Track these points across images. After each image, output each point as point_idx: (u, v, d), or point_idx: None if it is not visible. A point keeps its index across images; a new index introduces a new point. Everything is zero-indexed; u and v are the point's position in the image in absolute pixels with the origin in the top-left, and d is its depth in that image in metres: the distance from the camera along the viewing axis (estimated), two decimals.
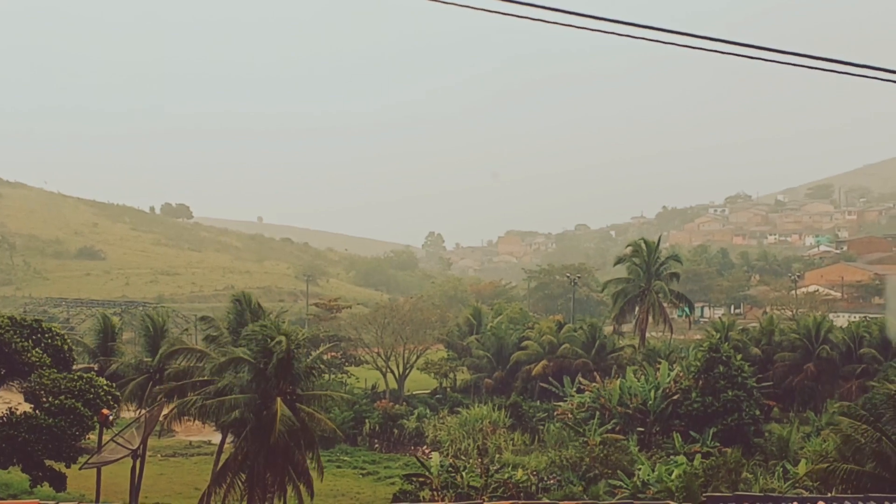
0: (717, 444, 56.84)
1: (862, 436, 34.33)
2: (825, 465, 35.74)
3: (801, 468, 47.33)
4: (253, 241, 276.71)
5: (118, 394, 42.95)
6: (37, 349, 40.43)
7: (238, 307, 50.35)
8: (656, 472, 47.67)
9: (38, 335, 41.89)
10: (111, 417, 38.92)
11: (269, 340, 41.14)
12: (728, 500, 17.50)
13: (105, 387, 39.85)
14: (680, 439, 58.34)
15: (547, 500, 21.56)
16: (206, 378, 45.35)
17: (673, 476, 46.24)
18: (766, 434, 61.77)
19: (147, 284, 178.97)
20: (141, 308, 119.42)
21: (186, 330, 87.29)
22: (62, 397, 38.13)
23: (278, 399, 39.85)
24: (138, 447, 36.30)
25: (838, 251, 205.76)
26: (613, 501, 18.07)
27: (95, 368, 49.80)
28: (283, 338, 41.08)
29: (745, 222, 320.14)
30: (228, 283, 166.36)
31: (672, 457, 53.44)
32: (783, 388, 74.89)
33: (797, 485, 44.76)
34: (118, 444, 34.59)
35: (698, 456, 51.83)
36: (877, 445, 33.51)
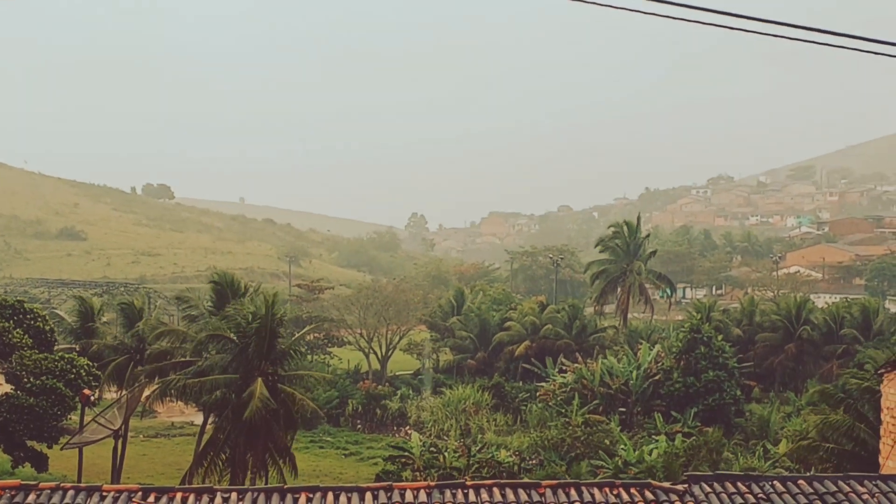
0: (698, 424, 57.14)
1: (839, 417, 34.56)
2: (805, 445, 35.97)
3: (782, 448, 47.65)
4: (235, 221, 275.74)
5: (100, 374, 42.84)
6: (18, 330, 40.25)
7: (219, 287, 50.13)
8: (638, 452, 47.91)
9: (20, 316, 41.70)
10: (92, 398, 38.84)
11: (249, 318, 40.97)
12: (709, 478, 17.53)
13: (86, 367, 39.71)
14: (661, 419, 58.62)
15: (529, 480, 21.55)
16: (187, 359, 45.23)
17: (654, 456, 46.49)
18: (747, 414, 62.13)
19: (128, 265, 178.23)
20: (122, 289, 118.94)
21: (166, 310, 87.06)
22: (43, 378, 37.99)
23: (258, 379, 39.77)
24: (120, 427, 36.24)
25: (819, 232, 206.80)
26: (595, 481, 18.08)
27: (77, 349, 49.56)
28: (263, 305, 40.91)
29: (727, 203, 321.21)
30: (210, 264, 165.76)
31: (653, 437, 53.71)
32: (764, 368, 75.28)
33: (777, 464, 45.07)
34: (100, 424, 34.52)
35: (679, 436, 52.09)
36: (851, 427, 33.73)
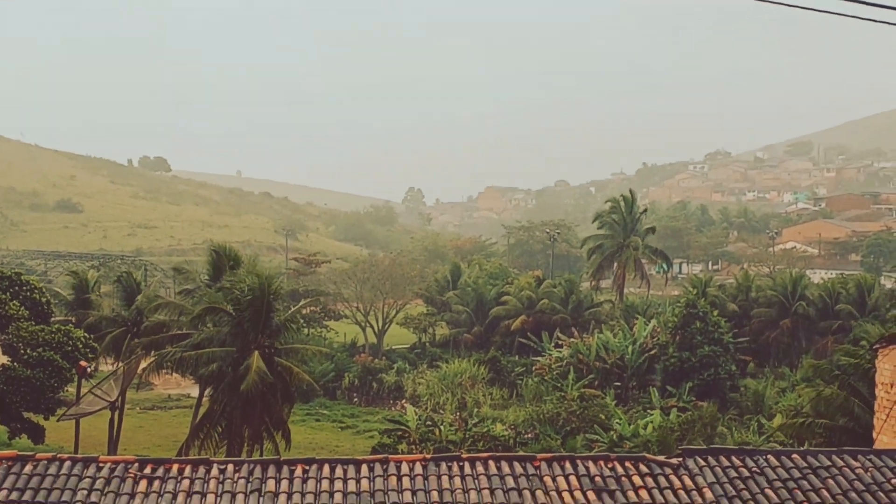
0: (693, 399, 57.36)
1: (833, 392, 34.67)
2: (799, 420, 36.09)
3: (776, 422, 47.83)
4: (232, 194, 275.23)
5: (96, 346, 42.86)
6: (14, 301, 40.24)
7: (215, 259, 50.06)
8: (632, 427, 48.11)
9: (16, 288, 41.69)
10: (89, 369, 38.88)
11: (245, 290, 40.94)
12: (703, 452, 17.61)
13: (83, 339, 39.73)
14: (656, 394, 58.85)
15: (524, 453, 21.64)
16: (183, 331, 45.24)
17: (649, 430, 46.69)
18: (742, 389, 62.36)
19: (125, 237, 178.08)
20: (119, 261, 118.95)
21: (163, 283, 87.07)
22: (40, 349, 38.02)
23: (255, 352, 39.82)
24: (116, 399, 36.33)
25: (816, 208, 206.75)
26: (590, 454, 18.18)
27: (73, 321, 49.61)
28: (256, 279, 40.88)
29: (724, 179, 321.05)
30: (207, 237, 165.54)
31: (648, 411, 53.92)
32: (759, 343, 75.51)
33: (771, 439, 45.26)
34: (96, 395, 34.58)
35: (674, 410, 52.33)
36: (845, 402, 33.84)
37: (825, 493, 16.50)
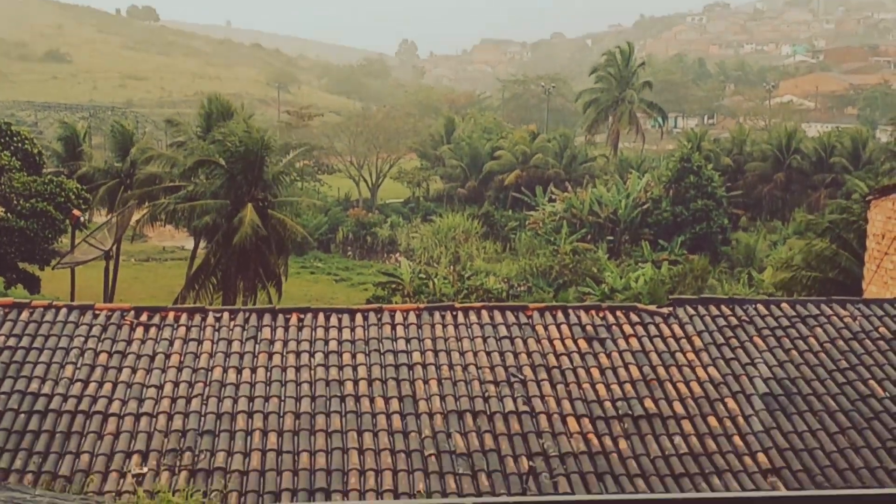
0: (685, 253, 57.80)
1: (824, 245, 34.88)
2: (789, 273, 36.41)
3: (766, 275, 48.30)
4: (222, 46, 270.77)
5: (89, 196, 42.78)
6: (6, 152, 39.93)
7: (207, 110, 49.54)
8: (624, 280, 48.58)
9: (7, 138, 41.29)
10: (82, 219, 38.91)
11: (238, 143, 40.70)
12: (693, 301, 17.80)
13: (75, 190, 39.62)
14: (649, 248, 59.25)
15: (516, 303, 21.87)
16: (177, 183, 45.16)
17: (640, 283, 47.16)
18: (734, 242, 62.78)
19: (115, 89, 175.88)
20: (109, 112, 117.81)
21: (154, 135, 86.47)
22: (33, 200, 37.93)
23: (248, 205, 39.85)
24: (111, 248, 36.48)
25: (814, 61, 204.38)
26: (582, 304, 18.39)
27: (65, 173, 49.40)
28: (250, 139, 40.65)
29: (722, 31, 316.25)
30: (198, 89, 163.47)
31: (640, 265, 54.39)
32: (752, 197, 75.68)
33: (761, 291, 45.79)
34: (90, 244, 34.72)
35: (665, 263, 52.76)
36: (835, 255, 34.07)
37: (813, 340, 16.76)
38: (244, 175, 40.80)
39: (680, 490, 13.69)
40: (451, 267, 57.70)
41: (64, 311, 16.60)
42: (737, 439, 14.75)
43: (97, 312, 16.63)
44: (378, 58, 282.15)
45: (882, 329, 16.99)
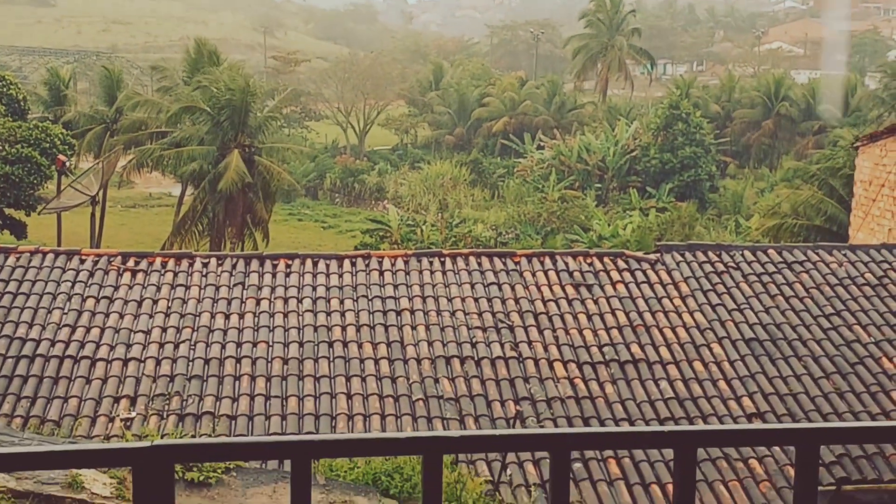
0: (673, 200, 57.83)
1: (811, 192, 34.99)
2: (776, 220, 36.53)
3: (754, 222, 48.41)
4: None
5: (74, 142, 42.51)
6: None
7: (193, 56, 49.05)
8: (612, 227, 48.65)
9: None
10: (68, 164, 38.67)
11: (223, 89, 40.39)
12: (680, 248, 17.85)
13: (61, 135, 39.34)
14: (636, 195, 59.26)
15: (503, 250, 21.90)
16: (163, 129, 44.88)
17: (628, 231, 47.25)
18: (721, 190, 62.83)
19: (99, 33, 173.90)
20: (94, 58, 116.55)
21: (140, 81, 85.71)
22: (18, 146, 37.66)
23: (235, 151, 39.65)
24: (97, 193, 36.31)
25: (804, 7, 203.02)
26: (569, 250, 18.43)
27: (51, 118, 49.00)
28: (235, 85, 40.36)
29: None
30: (183, 34, 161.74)
31: (628, 212, 54.44)
32: (741, 145, 75.67)
33: (749, 239, 45.94)
34: (76, 190, 34.54)
35: (653, 211, 52.80)
36: (822, 203, 34.18)
37: (799, 286, 16.84)
38: (230, 121, 40.55)
39: None
40: (440, 214, 57.59)
41: (50, 256, 16.55)
42: (722, 384, 14.88)
43: (84, 258, 16.59)
44: (365, 2, 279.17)
45: (868, 275, 17.08)
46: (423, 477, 1.82)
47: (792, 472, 12.50)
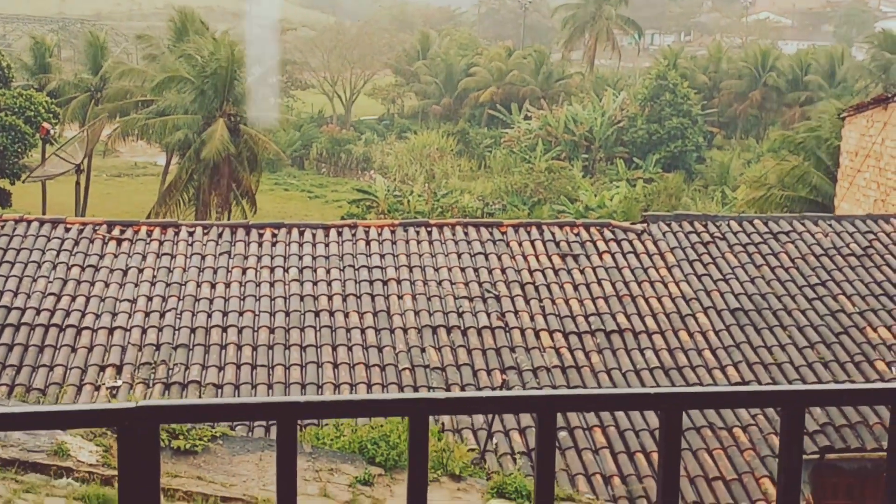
0: (660, 171, 57.90)
1: (797, 163, 35.07)
2: (762, 192, 36.60)
3: (740, 193, 48.51)
4: None
5: (59, 110, 42.26)
6: None
7: (178, 24, 48.67)
8: (598, 198, 48.69)
9: None
10: (52, 133, 38.45)
11: (208, 58, 40.13)
12: (666, 218, 17.88)
13: (45, 103, 39.09)
14: (623, 166, 59.28)
15: (490, 220, 21.92)
16: (148, 98, 44.62)
17: (615, 201, 47.31)
18: (708, 161, 62.89)
19: (83, 1, 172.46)
20: (79, 25, 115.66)
21: (125, 49, 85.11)
22: (2, 114, 37.39)
23: (220, 120, 39.45)
24: (81, 162, 36.13)
25: None
26: (556, 221, 18.47)
27: (35, 86, 48.63)
28: (220, 54, 40.10)
29: None
30: (168, 1, 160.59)
31: (615, 183, 54.47)
32: (728, 115, 75.67)
33: (734, 209, 46.05)
34: (61, 158, 34.37)
35: (640, 182, 52.86)
36: (808, 174, 34.27)
37: (785, 256, 16.91)
38: (215, 90, 40.32)
39: None
40: (426, 185, 57.52)
41: (35, 224, 16.47)
42: (707, 354, 14.95)
43: (69, 226, 16.52)
44: None
45: (853, 245, 17.15)
46: (409, 439, 1.82)
47: (776, 440, 12.62)
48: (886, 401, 1.99)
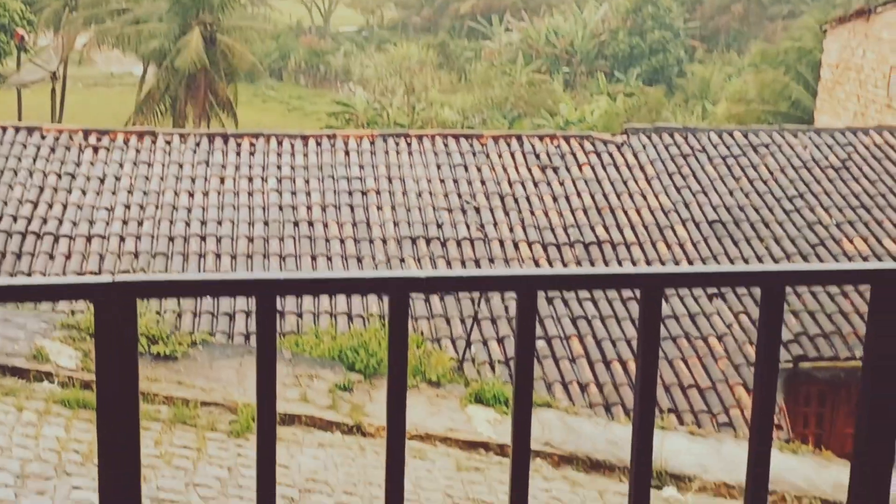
0: (641, 85, 57.57)
1: (778, 78, 34.97)
2: (744, 107, 36.57)
3: (720, 108, 48.39)
4: None
5: (33, 17, 41.49)
6: None
7: None
8: (579, 112, 48.46)
9: None
10: (27, 39, 37.85)
11: None
12: (647, 130, 17.85)
13: (19, 11, 38.38)
14: (604, 80, 58.88)
15: (471, 131, 21.83)
16: (124, 7, 43.80)
17: (595, 115, 47.10)
18: (689, 75, 62.52)
19: None
20: None
21: None
22: None
23: (195, 28, 38.83)
24: (56, 69, 35.65)
25: None
26: (536, 132, 18.42)
27: None
28: None
29: None
30: None
31: (595, 97, 54.17)
32: (710, 29, 75.04)
33: (715, 124, 45.96)
34: (36, 65, 33.91)
35: (621, 95, 52.57)
36: (788, 87, 34.21)
37: (763, 168, 16.95)
38: None
39: (627, 310, 14.01)
40: (406, 98, 57.02)
41: (11, 132, 16.27)
42: (685, 265, 15.04)
43: (45, 134, 16.33)
44: None
45: (831, 157, 17.20)
46: (389, 320, 1.81)
47: (751, 350, 12.78)
48: (866, 280, 1.99)
